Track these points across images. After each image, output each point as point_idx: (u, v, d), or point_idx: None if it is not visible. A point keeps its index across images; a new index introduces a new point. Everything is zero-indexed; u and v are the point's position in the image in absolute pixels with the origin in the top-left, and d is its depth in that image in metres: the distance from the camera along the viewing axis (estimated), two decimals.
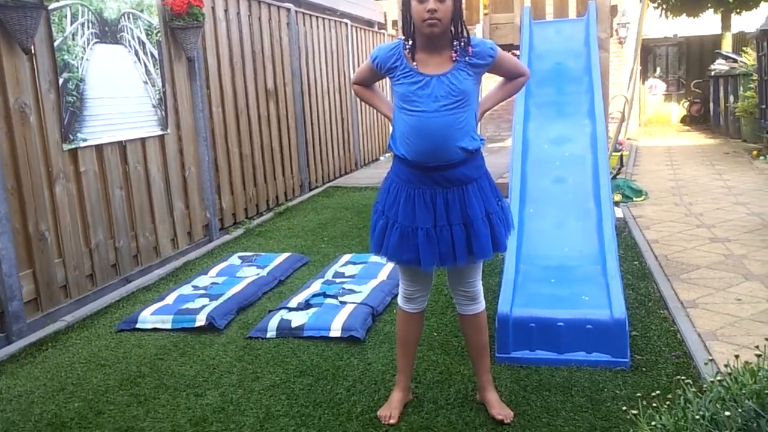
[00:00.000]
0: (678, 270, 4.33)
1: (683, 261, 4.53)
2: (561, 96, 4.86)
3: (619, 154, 7.88)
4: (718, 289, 3.93)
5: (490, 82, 2.76)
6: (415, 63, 2.40)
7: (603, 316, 3.08)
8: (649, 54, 16.30)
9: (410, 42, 2.41)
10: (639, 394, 2.24)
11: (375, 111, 10.34)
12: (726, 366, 1.82)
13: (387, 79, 2.52)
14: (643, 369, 2.97)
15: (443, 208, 2.43)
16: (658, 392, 1.98)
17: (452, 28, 2.38)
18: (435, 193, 2.43)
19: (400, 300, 2.71)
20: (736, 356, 1.84)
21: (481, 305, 2.68)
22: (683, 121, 16.06)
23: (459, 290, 2.65)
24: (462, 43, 2.39)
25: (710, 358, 2.96)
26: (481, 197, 2.46)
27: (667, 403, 1.71)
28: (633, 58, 8.69)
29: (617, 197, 6.49)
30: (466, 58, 2.38)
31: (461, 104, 2.38)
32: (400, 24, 2.52)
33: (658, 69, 16.75)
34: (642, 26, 7.88)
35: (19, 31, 3.64)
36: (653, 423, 1.59)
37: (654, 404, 1.69)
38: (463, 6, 2.41)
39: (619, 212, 5.96)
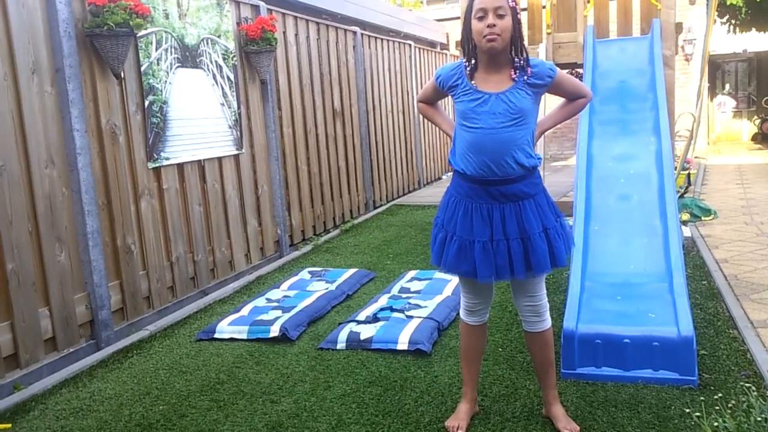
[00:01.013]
0: (748, 290, 4.26)
1: (754, 281, 4.46)
2: (625, 113, 4.87)
3: (687, 172, 7.75)
4: None
5: (553, 104, 2.82)
6: (474, 81, 2.50)
7: (670, 334, 3.08)
8: (717, 70, 15.91)
9: (471, 62, 2.52)
10: (702, 398, 2.23)
11: (437, 131, 10.56)
12: None
13: (450, 98, 2.63)
14: (712, 388, 2.94)
15: (500, 223, 2.50)
16: (720, 395, 1.98)
17: (512, 48, 2.46)
18: (492, 207, 2.50)
19: (461, 313, 2.79)
20: None
21: (547, 322, 2.71)
22: (754, 138, 15.58)
23: (524, 305, 2.69)
24: (521, 63, 2.46)
25: None
26: (538, 213, 2.52)
27: (730, 407, 1.74)
28: (700, 74, 8.55)
29: (685, 216, 6.39)
30: (525, 77, 2.46)
31: (519, 122, 2.45)
32: (460, 46, 2.63)
33: (727, 85, 16.33)
34: (708, 43, 7.77)
35: (111, 57, 3.92)
36: (716, 425, 1.64)
37: (717, 407, 1.73)
38: (523, 27, 2.50)
39: (687, 231, 5.87)
